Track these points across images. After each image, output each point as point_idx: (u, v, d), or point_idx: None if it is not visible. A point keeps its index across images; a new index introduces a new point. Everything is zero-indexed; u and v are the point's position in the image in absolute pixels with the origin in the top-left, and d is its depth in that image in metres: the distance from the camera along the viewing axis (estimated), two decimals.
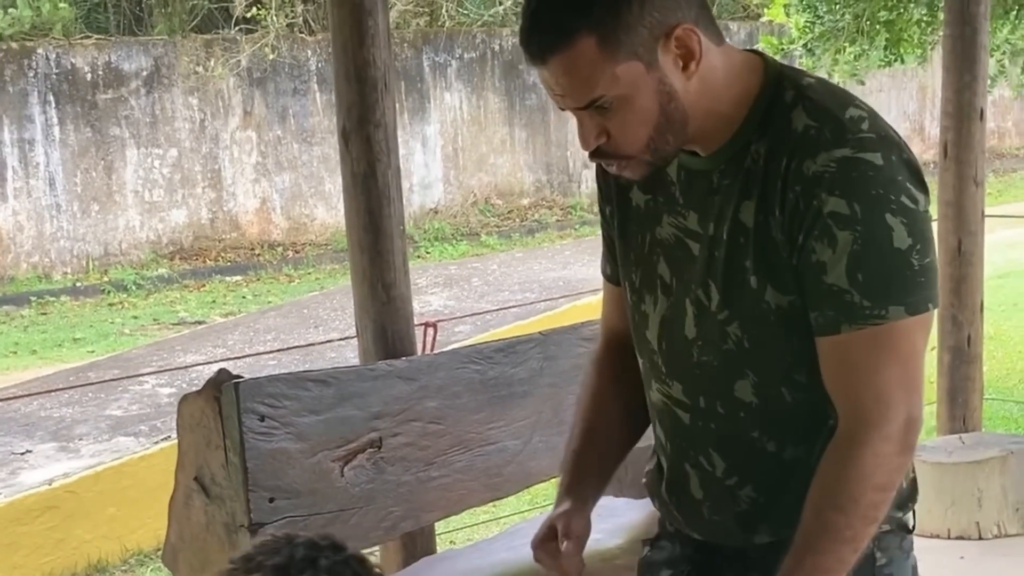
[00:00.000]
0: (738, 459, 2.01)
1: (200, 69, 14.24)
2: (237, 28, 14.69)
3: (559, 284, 8.27)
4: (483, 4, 17.10)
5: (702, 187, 1.96)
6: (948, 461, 4.62)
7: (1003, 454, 4.62)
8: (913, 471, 2.04)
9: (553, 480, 3.85)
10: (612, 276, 2.23)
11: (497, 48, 16.51)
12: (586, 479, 2.22)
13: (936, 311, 1.88)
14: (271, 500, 3.00)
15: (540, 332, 3.55)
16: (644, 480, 2.29)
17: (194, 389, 3.03)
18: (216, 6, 14.87)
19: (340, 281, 12.96)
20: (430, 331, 3.98)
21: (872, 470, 1.83)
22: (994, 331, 6.29)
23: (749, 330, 1.93)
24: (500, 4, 17.00)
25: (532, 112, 16.74)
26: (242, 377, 3.00)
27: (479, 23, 16.95)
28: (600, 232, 2.28)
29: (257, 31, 14.63)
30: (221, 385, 2.99)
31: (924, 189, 1.85)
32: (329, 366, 3.46)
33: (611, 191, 2.16)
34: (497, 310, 6.65)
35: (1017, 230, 12.53)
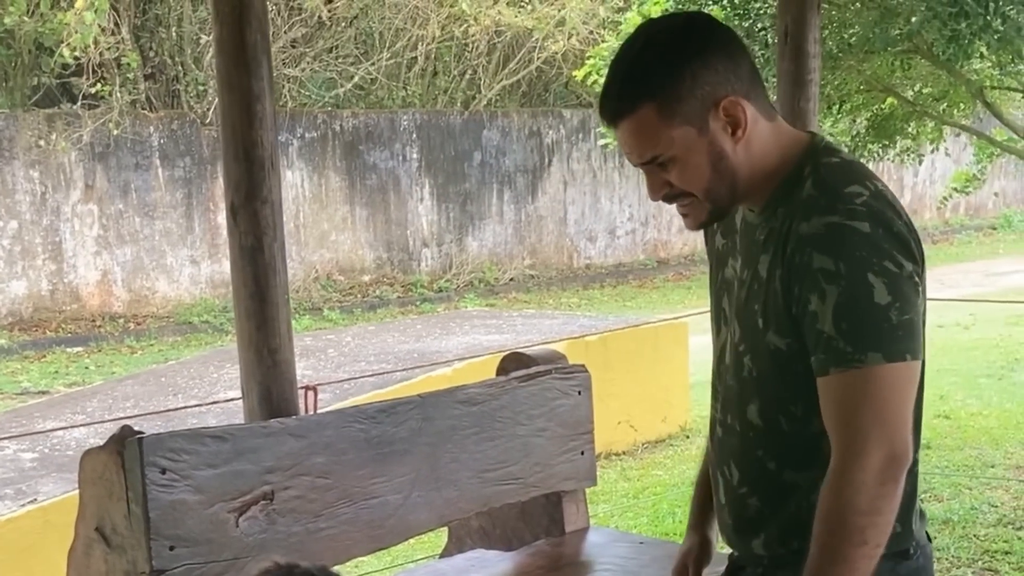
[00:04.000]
0: (747, 472, 2.34)
1: (42, 143, 14.23)
2: (80, 103, 14.71)
3: (413, 356, 8.50)
4: (324, 86, 17.36)
5: (750, 238, 2.29)
6: None
7: None
8: (915, 499, 2.29)
9: (430, 532, 4.10)
10: None
11: (338, 128, 16.74)
12: (708, 515, 2.63)
13: (920, 363, 2.16)
14: (171, 548, 3.19)
15: (419, 395, 3.80)
16: None
17: (58, 452, 3.17)
18: (59, 81, 14.89)
19: (184, 352, 12.97)
20: (311, 394, 4.20)
21: (852, 497, 2.08)
22: None
23: (756, 362, 2.26)
24: (341, 87, 17.27)
25: (372, 192, 16.98)
26: (144, 433, 3.20)
27: (320, 104, 17.19)
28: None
29: (100, 107, 14.67)
30: (124, 440, 3.18)
31: (911, 258, 2.13)
32: None
33: (709, 239, 2.50)
34: (360, 377, 6.87)
35: None
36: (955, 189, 9.22)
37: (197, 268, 15.49)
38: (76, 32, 13.55)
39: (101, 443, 3.23)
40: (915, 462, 2.26)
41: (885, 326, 2.08)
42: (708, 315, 2.49)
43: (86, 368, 12.59)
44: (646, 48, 2.20)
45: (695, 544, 2.67)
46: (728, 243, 2.40)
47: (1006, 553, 6.23)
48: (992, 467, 7.85)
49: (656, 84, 2.15)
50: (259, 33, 3.73)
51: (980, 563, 6.13)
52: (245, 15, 3.69)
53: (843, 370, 2.09)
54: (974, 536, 6.48)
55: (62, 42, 14.04)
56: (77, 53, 14.08)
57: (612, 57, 2.27)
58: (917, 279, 2.15)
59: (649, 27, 2.29)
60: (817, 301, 2.10)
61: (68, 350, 13.51)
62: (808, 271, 2.11)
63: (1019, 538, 6.42)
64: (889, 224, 2.13)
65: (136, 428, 3.21)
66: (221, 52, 3.80)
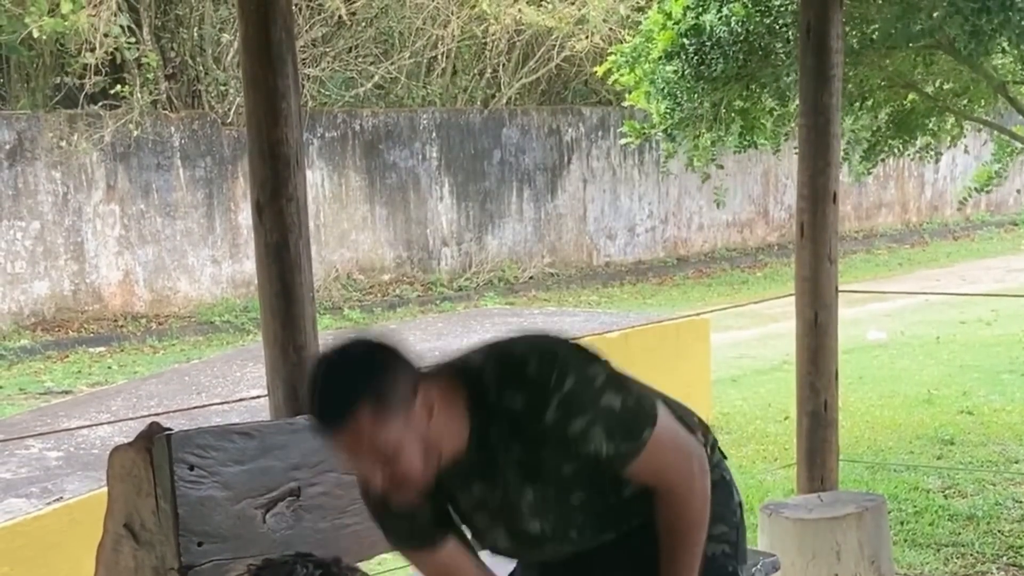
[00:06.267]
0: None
1: (63, 143, 14.25)
2: (101, 104, 14.75)
3: (435, 354, 8.48)
4: (344, 85, 17.38)
5: (470, 473, 2.68)
6: (809, 517, 4.94)
7: (859, 511, 4.95)
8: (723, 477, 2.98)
9: None
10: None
11: (358, 128, 16.74)
12: None
13: (659, 400, 2.79)
14: (199, 544, 3.21)
15: None
16: None
17: (83, 450, 3.18)
18: (80, 82, 14.93)
19: (205, 352, 13.01)
20: None
21: (696, 513, 2.76)
22: (842, 402, 6.74)
23: (559, 506, 2.73)
24: (361, 86, 17.29)
25: (392, 191, 16.99)
26: (172, 430, 3.22)
27: (340, 104, 17.21)
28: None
29: (121, 107, 14.71)
30: (153, 437, 3.20)
31: (596, 359, 2.66)
32: None
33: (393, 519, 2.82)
34: None
35: (857, 308, 13.13)
36: (975, 188, 9.18)
37: (218, 268, 15.52)
38: (82, 28, 13.59)
39: (127, 441, 3.25)
40: (708, 435, 2.95)
41: (633, 414, 2.65)
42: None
43: (108, 368, 12.64)
44: (345, 367, 2.49)
45: None
46: (449, 491, 2.74)
47: None
48: (1016, 463, 7.84)
49: (368, 387, 2.44)
50: (284, 31, 3.76)
51: (1005, 559, 6.12)
52: (270, 13, 3.72)
53: (637, 455, 2.65)
54: (999, 532, 6.47)
55: (82, 41, 14.08)
56: (98, 53, 14.13)
57: (312, 375, 2.54)
58: (610, 366, 2.68)
59: (333, 355, 2.55)
60: (591, 445, 2.60)
61: (90, 350, 13.56)
62: (571, 439, 2.58)
63: None
64: (565, 355, 2.62)
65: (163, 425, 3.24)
66: (246, 50, 3.82)
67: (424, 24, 17.50)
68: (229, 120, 15.47)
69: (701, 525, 2.77)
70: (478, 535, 2.87)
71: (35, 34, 13.69)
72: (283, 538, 3.38)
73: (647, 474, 2.70)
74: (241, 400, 6.07)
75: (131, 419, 6.24)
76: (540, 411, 2.56)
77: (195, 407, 6.28)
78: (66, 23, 13.57)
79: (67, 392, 10.87)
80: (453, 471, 2.65)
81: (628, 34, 13.05)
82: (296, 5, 15.68)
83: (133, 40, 14.92)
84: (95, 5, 13.84)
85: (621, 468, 2.68)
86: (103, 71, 14.67)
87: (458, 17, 17.31)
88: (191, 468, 3.21)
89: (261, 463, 3.36)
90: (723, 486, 2.93)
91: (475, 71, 18.44)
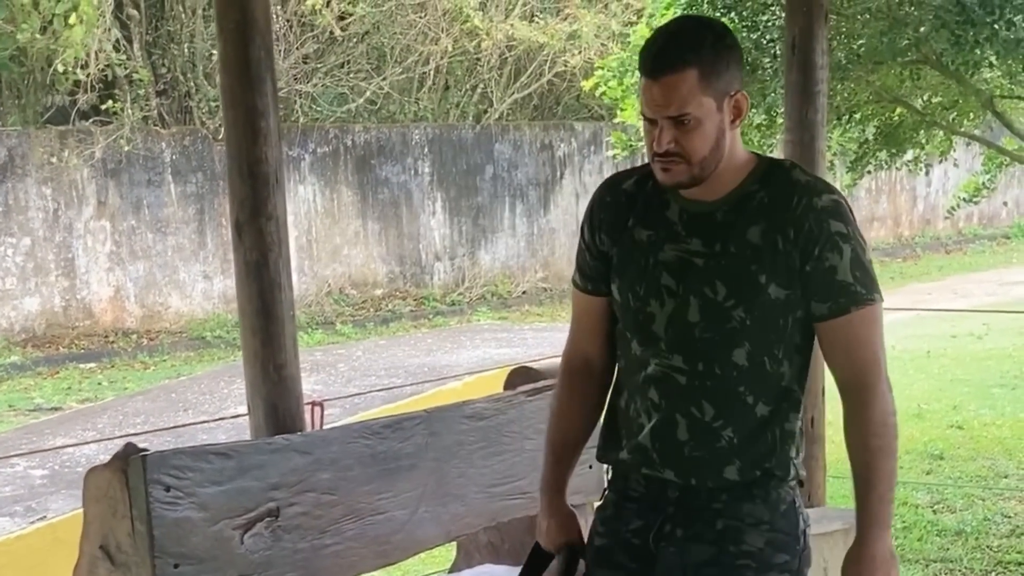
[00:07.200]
0: (725, 408, 2.72)
1: (54, 160, 14.26)
2: (91, 120, 14.74)
3: (424, 370, 8.51)
4: (336, 101, 17.37)
5: (705, 222, 2.72)
6: None
7: (846, 527, 4.88)
8: (795, 501, 2.83)
9: (437, 547, 4.08)
10: (593, 289, 2.91)
11: (350, 143, 16.75)
12: (561, 489, 3.06)
13: None
14: (176, 566, 3.17)
15: (425, 410, 3.79)
16: (598, 453, 3.07)
17: (67, 468, 3.16)
18: (71, 99, 14.92)
19: (196, 368, 12.98)
20: (317, 409, 4.20)
21: (884, 404, 2.67)
22: (830, 418, 6.70)
23: (751, 312, 2.68)
24: (353, 102, 17.28)
25: (385, 205, 16.99)
26: (148, 450, 3.19)
27: (332, 119, 17.20)
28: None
29: (112, 123, 14.70)
30: (128, 457, 3.17)
31: None
32: None
33: (615, 231, 2.84)
34: (368, 392, 6.87)
35: None
36: (963, 199, 9.17)
37: (210, 283, 15.50)
38: (71, 47, 13.59)
39: (103, 462, 3.23)
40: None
41: (874, 275, 2.70)
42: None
43: (99, 384, 12.61)
44: (703, 27, 2.72)
45: (555, 522, 3.08)
46: (659, 234, 2.77)
47: (1019, 564, 6.21)
48: (1005, 477, 7.82)
49: (706, 55, 2.60)
50: (263, 50, 3.72)
51: (994, 574, 6.11)
52: (248, 32, 3.68)
53: (861, 307, 2.65)
54: (987, 547, 6.45)
55: (73, 57, 14.08)
56: (89, 70, 14.12)
57: (661, 27, 2.73)
58: None
59: (699, 18, 2.90)
60: (836, 257, 2.64)
61: (81, 366, 13.54)
62: (827, 234, 2.64)
63: None
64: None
65: (145, 444, 3.20)
66: (225, 69, 3.79)
67: (416, 40, 17.51)
68: (220, 136, 15.44)
69: (890, 446, 2.67)
70: (643, 300, 2.78)
71: (59, 68, 13.72)
72: (261, 559, 3.34)
73: (849, 340, 2.67)
74: (222, 419, 6.06)
75: (116, 437, 6.21)
76: (816, 193, 2.68)
77: (180, 425, 6.26)
78: (84, 48, 13.58)
79: (56, 409, 10.84)
80: (697, 212, 2.73)
81: (619, 49, 13.05)
82: (288, 21, 15.69)
83: (124, 56, 14.92)
84: (84, 22, 13.81)
85: (836, 310, 2.65)
86: (94, 87, 14.66)
87: (449, 33, 17.32)
88: (167, 489, 3.17)
89: (239, 483, 3.32)
90: (792, 512, 2.81)
91: (467, 86, 18.44)
